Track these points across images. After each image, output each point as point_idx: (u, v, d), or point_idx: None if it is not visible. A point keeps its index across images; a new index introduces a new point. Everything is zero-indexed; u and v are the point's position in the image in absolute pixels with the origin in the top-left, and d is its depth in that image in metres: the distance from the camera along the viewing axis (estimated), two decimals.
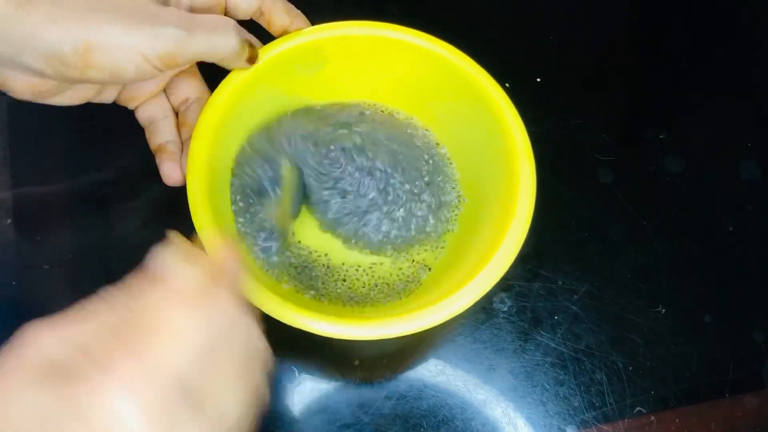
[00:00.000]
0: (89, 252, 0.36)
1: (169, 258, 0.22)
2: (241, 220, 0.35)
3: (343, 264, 0.35)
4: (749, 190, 0.42)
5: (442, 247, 0.36)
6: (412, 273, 0.35)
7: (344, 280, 0.35)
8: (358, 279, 0.35)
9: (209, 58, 0.31)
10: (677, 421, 0.35)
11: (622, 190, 0.40)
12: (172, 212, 0.38)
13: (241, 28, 0.32)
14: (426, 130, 0.38)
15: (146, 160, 0.35)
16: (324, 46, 0.35)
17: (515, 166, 0.32)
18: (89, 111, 0.33)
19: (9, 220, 0.36)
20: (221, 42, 0.30)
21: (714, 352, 0.37)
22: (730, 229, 0.40)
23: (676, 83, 0.45)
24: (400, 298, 0.34)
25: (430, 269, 0.35)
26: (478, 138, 0.35)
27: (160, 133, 0.35)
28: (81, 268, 0.36)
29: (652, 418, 0.35)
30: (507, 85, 0.34)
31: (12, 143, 0.38)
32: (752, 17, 0.48)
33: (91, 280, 0.36)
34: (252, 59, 0.33)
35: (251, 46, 0.32)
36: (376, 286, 0.35)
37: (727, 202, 0.41)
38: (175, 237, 0.24)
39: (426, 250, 0.36)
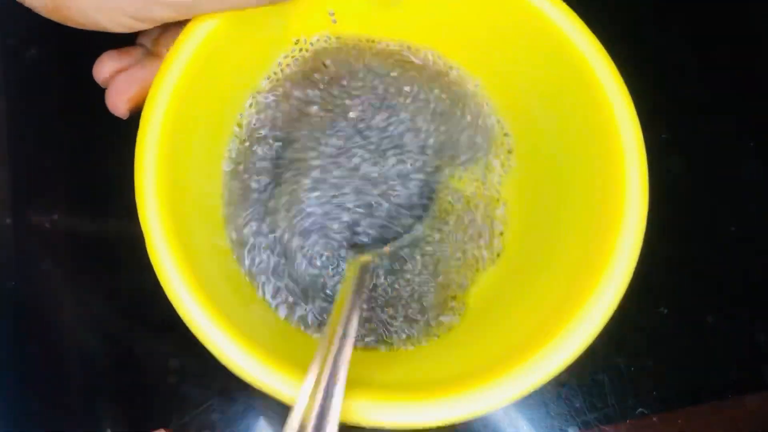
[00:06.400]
0: (89, 252, 0.36)
1: None
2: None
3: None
4: (752, 190, 0.41)
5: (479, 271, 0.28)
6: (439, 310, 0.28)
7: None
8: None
9: None
10: (679, 421, 0.35)
11: None
12: None
13: None
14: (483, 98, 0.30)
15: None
16: None
17: (620, 175, 0.22)
18: (90, 109, 0.33)
19: (9, 220, 0.36)
20: None
21: (716, 353, 0.37)
22: (733, 229, 0.40)
23: (677, 83, 0.45)
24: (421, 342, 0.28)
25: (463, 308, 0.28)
26: (561, 120, 0.26)
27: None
28: (81, 268, 0.36)
29: (654, 419, 0.35)
30: None
31: (12, 143, 0.38)
32: (756, 16, 0.48)
33: (91, 281, 0.36)
34: None
35: None
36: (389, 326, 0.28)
37: (730, 203, 0.41)
38: None
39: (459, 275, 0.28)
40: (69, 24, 0.27)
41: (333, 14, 0.29)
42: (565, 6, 0.26)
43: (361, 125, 0.30)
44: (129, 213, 0.38)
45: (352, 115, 0.30)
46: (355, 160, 0.29)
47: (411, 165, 0.29)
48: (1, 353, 0.34)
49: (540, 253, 0.26)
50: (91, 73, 0.33)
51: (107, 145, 0.39)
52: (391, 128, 0.30)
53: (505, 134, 0.30)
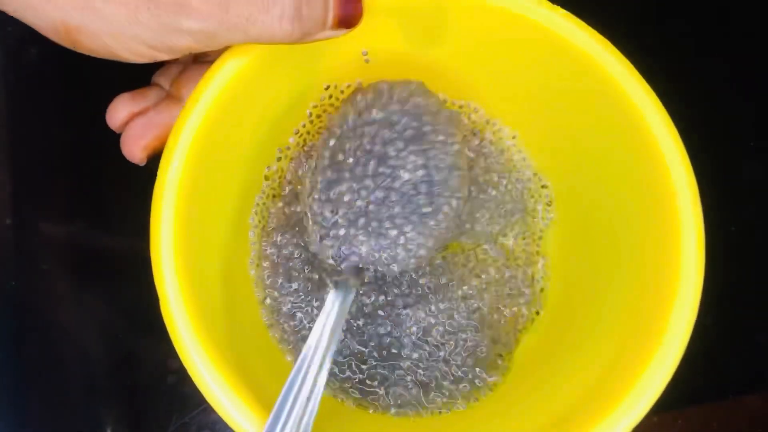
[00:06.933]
0: (89, 253, 0.36)
1: None
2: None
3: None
4: (752, 190, 0.41)
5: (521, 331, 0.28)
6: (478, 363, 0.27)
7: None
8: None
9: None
10: (679, 422, 0.35)
11: None
12: None
13: None
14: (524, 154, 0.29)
15: (148, 161, 0.35)
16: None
17: (675, 241, 0.22)
18: (89, 110, 0.33)
19: (9, 220, 0.36)
20: None
21: (716, 353, 0.37)
22: (733, 229, 0.40)
23: (677, 82, 0.45)
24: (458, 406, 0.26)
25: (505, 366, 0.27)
26: (605, 183, 0.25)
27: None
28: (81, 268, 0.36)
29: (654, 419, 0.35)
30: None
31: (12, 143, 0.38)
32: (756, 16, 0.48)
33: (91, 280, 0.36)
34: (346, 19, 0.23)
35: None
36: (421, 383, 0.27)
37: (730, 203, 0.41)
38: None
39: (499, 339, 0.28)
40: (81, 50, 0.25)
41: (366, 53, 0.27)
42: (621, 56, 0.25)
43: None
44: (129, 214, 0.38)
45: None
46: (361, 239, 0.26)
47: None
48: (1, 353, 0.34)
49: (583, 314, 0.25)
50: (91, 73, 0.33)
51: (107, 145, 0.39)
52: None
53: (543, 186, 0.29)
